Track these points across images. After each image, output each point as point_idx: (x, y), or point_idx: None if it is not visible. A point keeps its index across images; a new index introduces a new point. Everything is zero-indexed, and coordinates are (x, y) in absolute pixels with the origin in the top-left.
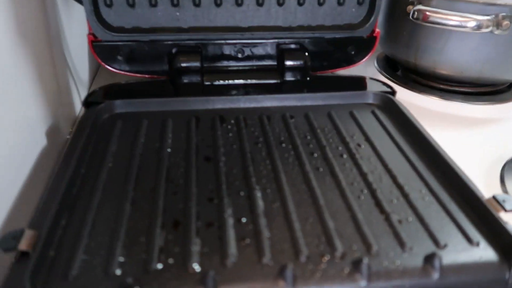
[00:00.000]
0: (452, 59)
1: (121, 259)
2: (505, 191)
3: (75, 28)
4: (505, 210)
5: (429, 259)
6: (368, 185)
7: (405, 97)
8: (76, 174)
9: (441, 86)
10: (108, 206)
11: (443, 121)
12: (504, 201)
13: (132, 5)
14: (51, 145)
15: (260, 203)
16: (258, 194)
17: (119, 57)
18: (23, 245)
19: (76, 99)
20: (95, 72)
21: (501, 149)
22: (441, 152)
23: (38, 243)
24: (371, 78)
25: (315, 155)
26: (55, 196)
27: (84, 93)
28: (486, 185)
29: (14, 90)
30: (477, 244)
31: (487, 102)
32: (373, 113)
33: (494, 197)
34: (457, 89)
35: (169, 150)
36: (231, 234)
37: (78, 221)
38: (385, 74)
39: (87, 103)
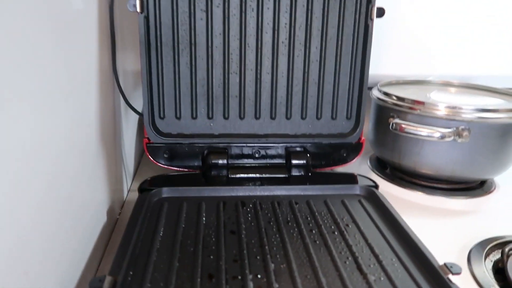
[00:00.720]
0: (428, 161)
1: None
2: (471, 269)
3: (129, 131)
4: (452, 273)
5: None
6: (352, 253)
7: (393, 191)
8: (137, 240)
9: (422, 183)
10: (161, 262)
11: (425, 212)
12: (451, 266)
13: (178, 118)
14: (109, 221)
15: (272, 264)
16: (270, 258)
17: (165, 155)
18: (105, 286)
19: (125, 186)
20: (137, 165)
21: (471, 236)
22: (408, 231)
23: (116, 286)
24: (359, 175)
25: (313, 231)
26: (125, 255)
27: (129, 182)
28: None
29: (95, 181)
30: None
31: (461, 197)
32: (360, 202)
33: (445, 264)
34: (435, 185)
35: (203, 224)
36: (250, 285)
37: (141, 272)
38: (376, 172)
39: (141, 189)
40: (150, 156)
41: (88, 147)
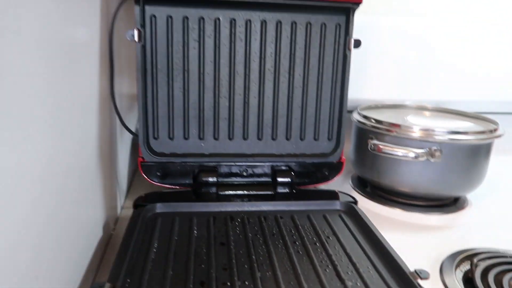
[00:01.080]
0: (404, 180)
1: None
2: (442, 279)
3: (123, 151)
4: (421, 278)
5: None
6: (332, 262)
7: (373, 208)
8: (133, 251)
9: (400, 200)
10: (156, 271)
11: (402, 227)
12: (421, 272)
13: (171, 138)
14: (104, 236)
15: (258, 272)
16: (257, 267)
17: (158, 173)
18: None
19: (118, 203)
20: (130, 183)
21: (444, 249)
22: (383, 242)
23: None
24: (340, 192)
25: (297, 243)
26: (122, 264)
27: (123, 199)
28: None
29: (93, 198)
30: None
31: (436, 213)
32: (340, 216)
33: (415, 270)
34: (412, 202)
35: (195, 237)
36: None
37: (138, 280)
38: (357, 190)
39: (135, 205)
40: (144, 174)
41: (88, 166)
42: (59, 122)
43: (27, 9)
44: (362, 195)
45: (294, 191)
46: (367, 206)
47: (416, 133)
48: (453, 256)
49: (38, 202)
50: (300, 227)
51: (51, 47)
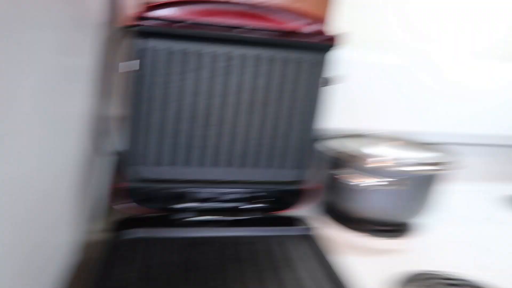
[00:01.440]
0: (365, 206)
1: None
2: None
3: (99, 173)
4: None
5: None
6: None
7: (336, 233)
8: (109, 278)
9: (363, 226)
10: None
11: (360, 251)
12: None
13: (158, 164)
14: (77, 261)
15: None
16: None
17: (133, 198)
18: None
19: (94, 226)
20: (105, 206)
21: (397, 271)
22: (336, 269)
23: None
24: (300, 217)
25: (257, 268)
26: None
27: (99, 222)
28: None
29: (69, 222)
30: None
31: (392, 238)
32: (297, 242)
33: None
34: (371, 228)
35: (171, 262)
36: None
37: None
38: (323, 215)
39: (110, 230)
40: (118, 199)
41: (62, 187)
42: (39, 140)
43: (34, 37)
44: (327, 221)
45: (260, 217)
46: (330, 232)
47: (376, 164)
48: (406, 277)
49: (5, 224)
50: (260, 252)
51: (49, 71)
